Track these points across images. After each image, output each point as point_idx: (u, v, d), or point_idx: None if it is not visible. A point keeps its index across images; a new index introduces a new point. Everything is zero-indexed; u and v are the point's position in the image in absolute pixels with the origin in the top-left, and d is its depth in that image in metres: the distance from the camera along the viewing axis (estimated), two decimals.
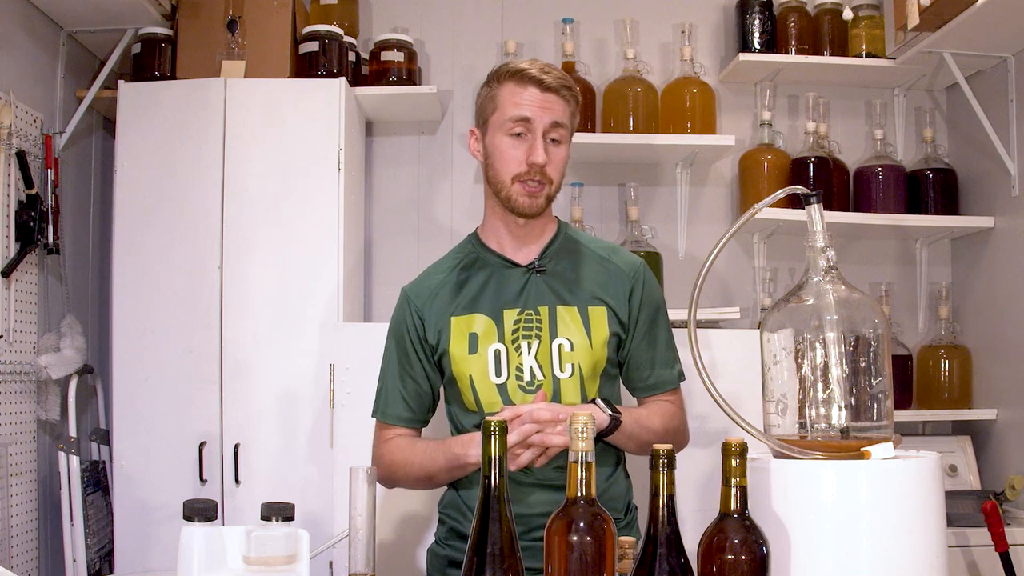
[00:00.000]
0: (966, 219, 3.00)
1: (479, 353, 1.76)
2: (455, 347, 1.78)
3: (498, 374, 1.76)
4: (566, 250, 1.85)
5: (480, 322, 1.78)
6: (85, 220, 3.01)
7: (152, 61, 2.79)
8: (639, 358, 1.83)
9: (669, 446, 1.17)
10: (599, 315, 1.79)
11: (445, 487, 1.88)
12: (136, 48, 2.81)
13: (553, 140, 1.76)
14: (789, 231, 3.04)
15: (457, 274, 1.84)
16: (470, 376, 1.76)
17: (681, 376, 1.87)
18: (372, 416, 1.87)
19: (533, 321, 1.77)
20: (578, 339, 1.77)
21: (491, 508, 1.18)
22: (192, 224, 2.67)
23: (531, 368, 1.75)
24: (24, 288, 2.60)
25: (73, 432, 2.64)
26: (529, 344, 1.76)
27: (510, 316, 1.78)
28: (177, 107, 2.71)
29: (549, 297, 1.79)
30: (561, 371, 1.76)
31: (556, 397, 1.75)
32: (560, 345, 1.76)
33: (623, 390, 1.92)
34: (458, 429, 1.84)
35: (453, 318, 1.79)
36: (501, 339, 1.77)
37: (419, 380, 1.83)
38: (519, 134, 1.75)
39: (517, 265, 1.82)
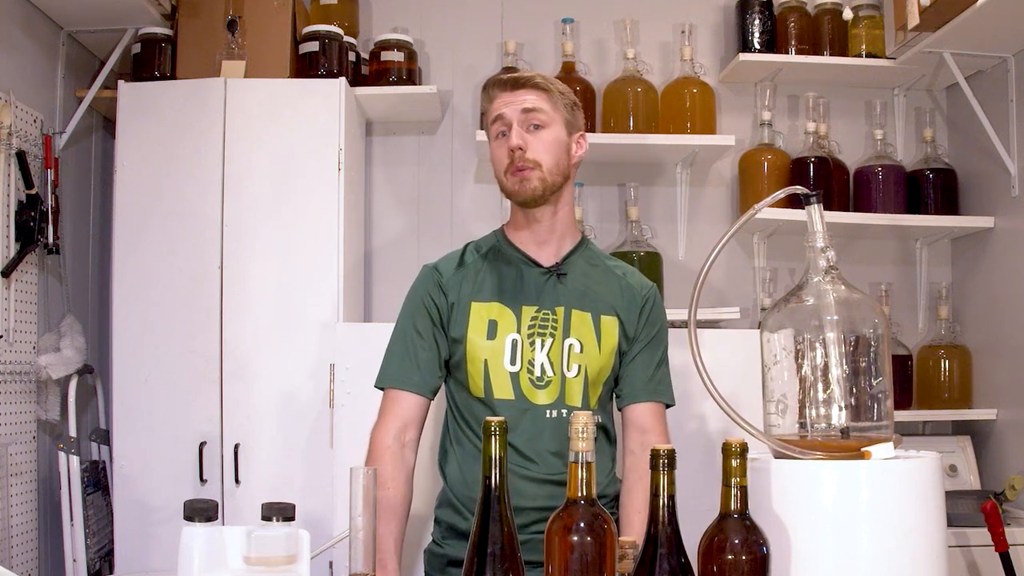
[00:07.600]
0: (966, 219, 3.00)
1: (497, 340, 1.80)
2: (473, 331, 1.80)
3: (513, 363, 1.79)
4: (586, 261, 1.89)
5: (500, 311, 1.81)
6: (85, 220, 3.01)
7: (152, 61, 2.79)
8: (634, 371, 1.85)
9: (670, 447, 1.17)
10: (611, 324, 1.83)
11: (442, 485, 1.89)
12: (136, 48, 2.81)
13: (534, 126, 1.79)
14: (789, 231, 3.04)
15: (482, 261, 1.88)
16: (485, 361, 1.79)
17: (673, 399, 1.88)
18: (376, 386, 1.83)
19: (549, 320, 1.81)
20: (588, 343, 1.81)
21: (491, 508, 1.18)
22: (192, 224, 2.67)
23: (542, 364, 1.79)
24: (24, 288, 2.60)
25: (73, 432, 2.64)
26: (543, 341, 1.80)
27: (528, 312, 1.81)
28: (177, 107, 2.71)
29: (566, 299, 1.83)
30: (568, 370, 1.80)
31: (562, 395, 1.79)
32: (571, 345, 1.81)
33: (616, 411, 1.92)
34: (455, 418, 1.86)
35: (474, 303, 1.82)
36: (518, 331, 1.81)
37: (430, 350, 1.82)
38: (502, 133, 1.82)
39: (539, 265, 1.86)
